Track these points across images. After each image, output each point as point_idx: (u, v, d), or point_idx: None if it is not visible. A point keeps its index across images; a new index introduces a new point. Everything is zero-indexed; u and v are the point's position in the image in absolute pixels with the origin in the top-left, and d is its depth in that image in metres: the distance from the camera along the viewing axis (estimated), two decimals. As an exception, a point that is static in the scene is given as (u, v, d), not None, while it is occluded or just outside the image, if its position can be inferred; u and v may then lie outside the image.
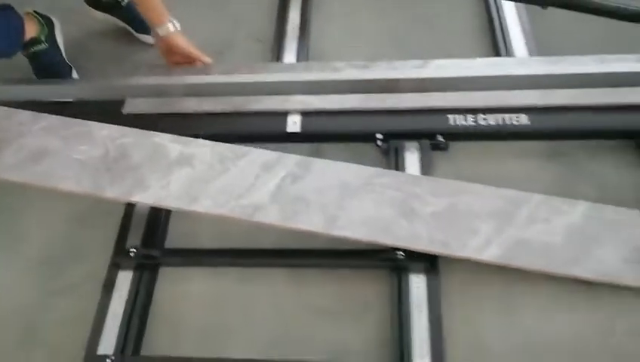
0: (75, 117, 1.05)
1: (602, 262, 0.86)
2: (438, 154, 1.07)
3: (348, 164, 0.98)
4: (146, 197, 0.91)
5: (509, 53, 1.19)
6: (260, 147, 1.00)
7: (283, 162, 0.97)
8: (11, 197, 1.10)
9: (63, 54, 1.28)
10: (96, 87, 1.21)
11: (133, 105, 1.16)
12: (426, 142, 1.06)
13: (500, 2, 1.29)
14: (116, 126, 1.01)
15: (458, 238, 0.87)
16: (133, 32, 1.38)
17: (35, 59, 1.23)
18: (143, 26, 1.35)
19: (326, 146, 1.12)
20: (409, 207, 0.90)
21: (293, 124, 1.10)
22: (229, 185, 0.93)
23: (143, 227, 0.99)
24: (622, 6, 0.96)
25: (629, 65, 1.06)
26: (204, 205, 0.90)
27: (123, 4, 1.34)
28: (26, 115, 0.99)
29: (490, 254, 0.85)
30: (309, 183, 0.93)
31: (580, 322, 0.86)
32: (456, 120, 1.07)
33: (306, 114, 1.12)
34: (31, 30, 1.19)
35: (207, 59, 1.19)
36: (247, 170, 0.95)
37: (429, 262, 0.90)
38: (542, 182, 1.00)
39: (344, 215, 0.89)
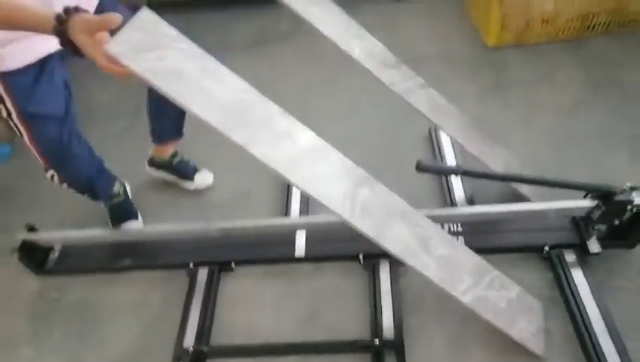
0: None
1: (522, 331, 1.23)
2: (403, 267, 1.50)
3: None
4: (260, 153, 0.95)
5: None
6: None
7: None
8: (92, 311, 1.54)
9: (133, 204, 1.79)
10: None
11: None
12: (394, 259, 1.49)
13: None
14: (241, 79, 1.01)
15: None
16: (177, 181, 1.84)
17: (112, 208, 1.74)
18: (185, 176, 1.83)
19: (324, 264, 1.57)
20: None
21: (299, 250, 1.56)
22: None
23: (195, 328, 1.40)
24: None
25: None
26: (296, 178, 0.99)
27: (174, 163, 1.83)
28: (171, 30, 0.92)
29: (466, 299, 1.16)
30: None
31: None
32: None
33: (307, 241, 1.57)
34: (117, 185, 1.73)
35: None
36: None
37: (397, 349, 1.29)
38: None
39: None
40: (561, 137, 1.82)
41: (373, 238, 1.06)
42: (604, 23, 2.19)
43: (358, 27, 1.41)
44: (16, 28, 0.95)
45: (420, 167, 1.27)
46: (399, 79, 1.42)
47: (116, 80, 0.98)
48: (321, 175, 1.04)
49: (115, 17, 0.87)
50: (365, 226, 1.05)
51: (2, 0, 0.93)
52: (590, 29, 2.20)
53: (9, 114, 1.26)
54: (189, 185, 1.84)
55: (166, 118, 1.65)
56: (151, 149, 1.82)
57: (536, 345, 1.25)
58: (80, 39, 0.87)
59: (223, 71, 0.99)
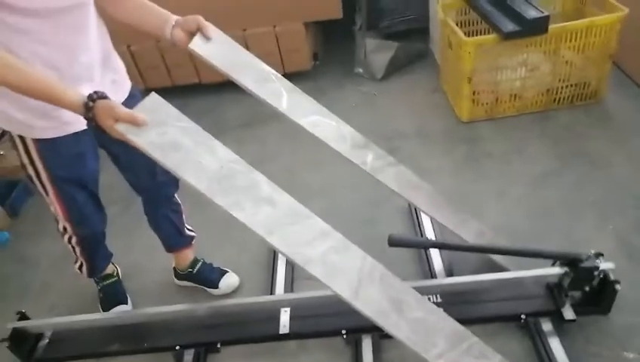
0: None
1: None
2: (385, 341, 1.52)
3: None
4: (240, 216, 1.06)
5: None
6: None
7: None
8: None
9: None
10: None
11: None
12: (376, 334, 1.53)
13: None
14: (231, 152, 1.14)
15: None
16: (206, 289, 1.80)
17: (105, 288, 1.79)
18: (211, 284, 1.79)
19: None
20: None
21: (284, 327, 1.59)
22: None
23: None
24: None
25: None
26: (274, 240, 1.07)
27: (194, 272, 1.81)
28: (173, 110, 1.10)
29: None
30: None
31: None
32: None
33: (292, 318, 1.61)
34: (111, 266, 1.79)
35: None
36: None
37: None
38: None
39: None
40: (532, 206, 1.90)
41: (347, 299, 1.09)
42: (569, 97, 2.35)
43: (328, 113, 1.50)
44: (41, 99, 1.06)
45: (392, 242, 1.35)
46: (369, 159, 1.50)
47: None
48: (298, 237, 1.11)
49: (141, 120, 1.03)
50: (339, 287, 1.10)
51: (31, 74, 1.05)
52: (556, 102, 2.36)
53: (37, 175, 1.34)
54: (214, 292, 1.80)
55: (162, 229, 1.71)
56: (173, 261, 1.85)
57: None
58: (106, 123, 1.03)
59: (216, 144, 1.13)
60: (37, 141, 1.27)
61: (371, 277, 1.17)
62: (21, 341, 1.65)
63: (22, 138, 1.28)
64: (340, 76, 3.00)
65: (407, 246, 1.37)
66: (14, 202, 2.41)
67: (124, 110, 1.03)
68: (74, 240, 1.55)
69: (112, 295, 1.79)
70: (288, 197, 1.15)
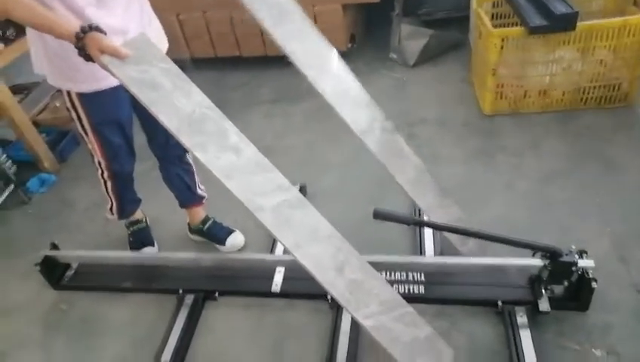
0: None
1: None
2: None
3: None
4: (203, 157, 1.11)
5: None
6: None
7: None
8: (92, 325, 1.76)
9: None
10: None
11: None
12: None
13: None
14: (207, 99, 1.18)
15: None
16: (215, 245, 1.96)
17: (134, 233, 1.99)
18: (219, 241, 1.94)
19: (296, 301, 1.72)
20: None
21: (276, 286, 1.73)
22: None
23: (173, 346, 1.58)
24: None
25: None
26: (232, 185, 1.13)
27: (204, 228, 1.97)
28: (159, 51, 1.15)
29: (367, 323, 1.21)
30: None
31: None
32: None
33: (285, 279, 1.74)
34: (140, 213, 1.99)
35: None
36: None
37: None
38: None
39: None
40: (536, 202, 1.92)
41: (289, 249, 1.16)
42: (597, 98, 2.30)
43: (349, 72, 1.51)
44: (41, 31, 1.19)
45: (376, 215, 1.43)
46: (362, 118, 1.49)
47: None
48: (255, 186, 1.16)
49: (124, 53, 1.09)
50: (284, 236, 1.16)
51: (34, 9, 1.16)
52: (583, 102, 2.32)
53: (79, 119, 1.56)
54: (221, 248, 1.96)
55: (174, 185, 1.88)
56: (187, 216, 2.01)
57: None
58: (93, 53, 1.11)
59: (193, 89, 1.17)
60: (78, 94, 1.49)
61: (319, 235, 1.22)
62: (51, 268, 1.89)
63: (68, 91, 1.50)
64: (374, 60, 3.06)
65: (390, 220, 1.45)
66: (63, 150, 2.68)
67: (111, 43, 1.09)
68: (106, 174, 1.74)
69: (140, 238, 2.00)
70: (254, 149, 1.20)
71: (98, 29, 1.13)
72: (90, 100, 1.49)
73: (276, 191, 1.20)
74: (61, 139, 2.71)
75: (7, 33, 2.44)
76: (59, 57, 1.40)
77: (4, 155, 2.37)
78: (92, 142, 1.62)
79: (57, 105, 2.87)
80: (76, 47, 1.13)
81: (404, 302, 1.32)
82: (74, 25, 1.13)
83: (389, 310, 1.27)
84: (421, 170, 1.65)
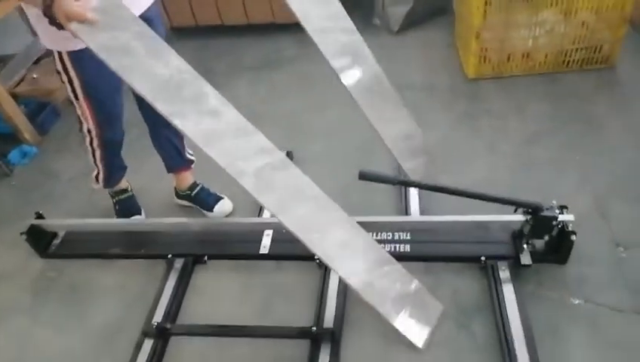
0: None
1: (406, 323, 1.37)
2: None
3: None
4: (181, 124, 1.08)
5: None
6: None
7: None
8: (81, 290, 1.77)
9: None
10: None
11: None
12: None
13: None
14: (185, 63, 1.13)
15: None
16: (202, 211, 1.96)
17: (120, 202, 1.98)
18: (207, 207, 1.94)
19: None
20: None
21: (264, 248, 1.75)
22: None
23: (164, 309, 1.60)
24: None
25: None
26: (212, 151, 1.11)
27: (192, 194, 1.96)
28: (129, 12, 1.09)
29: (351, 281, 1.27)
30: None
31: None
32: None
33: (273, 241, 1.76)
34: (125, 182, 1.96)
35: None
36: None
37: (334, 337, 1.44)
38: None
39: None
40: (518, 162, 1.96)
41: (273, 212, 1.15)
42: (579, 60, 2.32)
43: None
44: None
45: (362, 176, 1.45)
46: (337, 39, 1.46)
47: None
48: (237, 151, 1.14)
49: (90, 18, 1.05)
50: (267, 200, 1.15)
51: None
52: (566, 64, 2.34)
53: (70, 80, 1.50)
54: (209, 214, 1.95)
55: (163, 149, 1.86)
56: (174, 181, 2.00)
57: (418, 338, 1.37)
58: (61, 20, 1.06)
59: (168, 52, 1.12)
60: (69, 54, 1.43)
61: (304, 196, 1.21)
62: (38, 237, 1.88)
63: (59, 53, 1.44)
64: (357, 26, 3.01)
65: (375, 180, 1.47)
66: (44, 122, 2.63)
67: (77, 8, 1.04)
68: (95, 142, 1.70)
69: (127, 207, 1.98)
70: (235, 112, 1.17)
71: None
72: (81, 59, 1.44)
73: (259, 155, 1.18)
74: (40, 111, 2.65)
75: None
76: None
77: (-17, 127, 2.33)
78: (82, 107, 1.57)
79: (35, 76, 2.80)
80: (45, 16, 1.08)
81: (391, 258, 1.35)
82: None
83: (374, 267, 1.29)
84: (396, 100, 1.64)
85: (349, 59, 1.49)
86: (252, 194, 1.14)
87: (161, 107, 1.07)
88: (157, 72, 1.09)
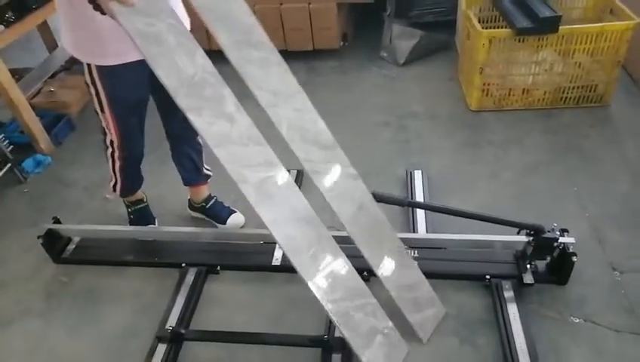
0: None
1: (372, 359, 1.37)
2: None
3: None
4: (196, 121, 1.11)
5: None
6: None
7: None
8: (94, 296, 1.80)
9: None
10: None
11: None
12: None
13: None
14: (211, 63, 1.17)
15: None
16: (215, 224, 2.02)
17: (135, 212, 2.02)
18: (220, 220, 2.01)
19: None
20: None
21: (276, 260, 1.81)
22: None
23: (178, 315, 1.64)
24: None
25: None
26: (220, 153, 1.14)
27: (207, 206, 2.02)
28: (168, 6, 1.12)
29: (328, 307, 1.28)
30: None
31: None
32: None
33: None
34: (140, 193, 2.01)
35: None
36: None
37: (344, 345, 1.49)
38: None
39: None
40: (519, 190, 2.06)
41: (266, 223, 1.18)
42: (575, 98, 2.47)
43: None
44: None
45: (374, 197, 1.53)
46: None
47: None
48: (244, 158, 1.17)
49: (131, 1, 1.08)
50: (263, 212, 1.18)
51: None
52: (563, 101, 2.49)
53: (97, 93, 1.56)
54: (222, 227, 2.01)
55: (182, 164, 1.92)
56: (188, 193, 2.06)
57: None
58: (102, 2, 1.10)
59: (198, 51, 1.15)
60: (99, 68, 1.51)
61: (300, 218, 1.24)
62: (53, 242, 1.92)
63: (88, 65, 1.51)
64: (365, 58, 3.17)
65: (386, 202, 1.55)
66: (58, 133, 2.70)
67: None
68: (117, 154, 1.75)
69: (142, 217, 2.03)
70: (250, 121, 1.20)
71: None
72: (109, 75, 1.52)
73: (263, 166, 1.21)
74: (56, 123, 2.72)
75: (7, 15, 2.45)
76: (81, 28, 1.42)
77: (2, 135, 2.38)
78: (107, 120, 1.63)
79: (52, 89, 2.89)
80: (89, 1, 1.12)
81: (369, 293, 1.38)
82: None
83: (353, 298, 1.32)
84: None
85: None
86: (249, 201, 1.17)
87: (181, 100, 1.11)
88: (183, 67, 1.12)
